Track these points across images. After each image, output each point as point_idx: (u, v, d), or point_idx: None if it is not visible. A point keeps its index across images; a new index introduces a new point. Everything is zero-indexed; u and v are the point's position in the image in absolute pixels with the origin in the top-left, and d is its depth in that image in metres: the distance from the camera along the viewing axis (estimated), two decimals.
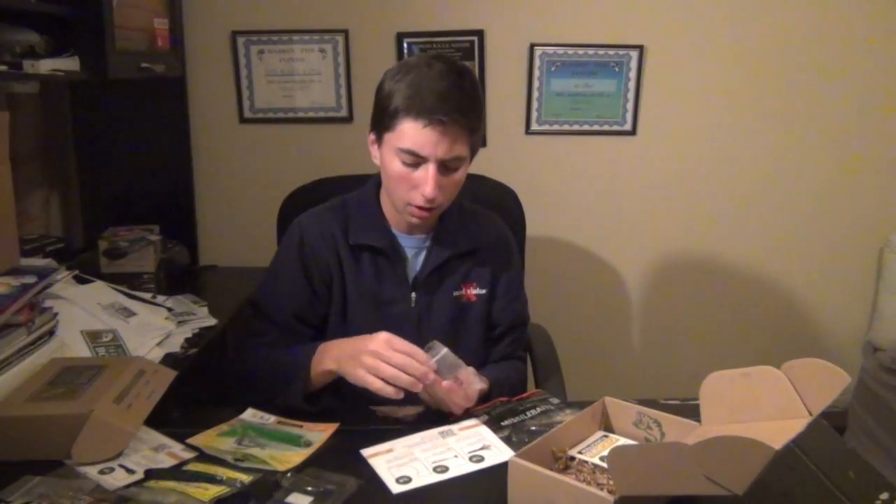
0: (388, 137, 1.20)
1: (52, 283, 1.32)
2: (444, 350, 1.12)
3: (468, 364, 1.18)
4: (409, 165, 1.18)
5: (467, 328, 1.34)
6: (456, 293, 1.33)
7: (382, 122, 1.20)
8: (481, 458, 1.02)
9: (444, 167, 1.19)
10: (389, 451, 1.04)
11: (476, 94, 1.21)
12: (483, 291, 1.35)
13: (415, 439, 1.07)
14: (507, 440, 1.07)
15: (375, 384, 1.05)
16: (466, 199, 1.47)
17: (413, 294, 1.30)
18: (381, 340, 1.07)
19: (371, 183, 1.35)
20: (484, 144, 2.35)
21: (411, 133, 1.16)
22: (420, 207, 1.21)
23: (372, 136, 1.26)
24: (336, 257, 1.30)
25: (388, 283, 1.30)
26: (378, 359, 1.06)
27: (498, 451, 1.04)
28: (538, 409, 1.15)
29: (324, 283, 1.30)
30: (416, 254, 1.32)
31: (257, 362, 1.26)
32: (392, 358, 1.05)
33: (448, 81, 1.16)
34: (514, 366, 1.41)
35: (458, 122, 1.15)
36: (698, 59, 2.33)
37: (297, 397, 1.17)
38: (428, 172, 1.17)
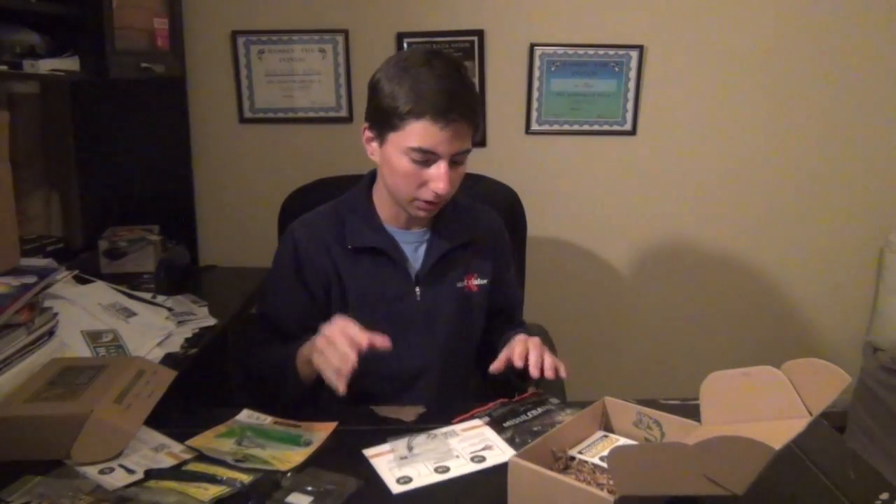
0: (395, 137, 1.20)
1: (52, 283, 1.32)
2: None
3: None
4: (418, 163, 1.20)
5: (472, 318, 1.38)
6: (459, 284, 1.35)
7: (387, 122, 1.20)
8: (483, 459, 1.02)
9: (452, 161, 1.21)
10: (390, 451, 1.04)
11: (475, 87, 1.26)
12: (484, 282, 1.38)
13: (416, 439, 1.07)
14: (511, 441, 1.06)
15: (325, 373, 1.04)
16: (464, 197, 1.48)
17: (417, 289, 1.31)
18: (335, 326, 1.06)
19: (363, 183, 1.35)
20: (484, 144, 2.36)
21: (424, 133, 1.17)
22: (428, 202, 1.23)
23: (369, 134, 1.26)
24: (332, 262, 1.30)
25: (392, 281, 1.31)
26: (328, 343, 1.05)
27: (500, 452, 1.04)
28: (539, 410, 1.15)
29: (322, 289, 1.30)
30: (415, 248, 1.33)
31: (260, 364, 1.29)
32: (339, 344, 1.03)
33: (452, 80, 1.18)
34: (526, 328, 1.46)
35: (467, 117, 1.18)
36: (698, 59, 2.33)
37: (294, 387, 1.20)
38: (440, 169, 1.19)
